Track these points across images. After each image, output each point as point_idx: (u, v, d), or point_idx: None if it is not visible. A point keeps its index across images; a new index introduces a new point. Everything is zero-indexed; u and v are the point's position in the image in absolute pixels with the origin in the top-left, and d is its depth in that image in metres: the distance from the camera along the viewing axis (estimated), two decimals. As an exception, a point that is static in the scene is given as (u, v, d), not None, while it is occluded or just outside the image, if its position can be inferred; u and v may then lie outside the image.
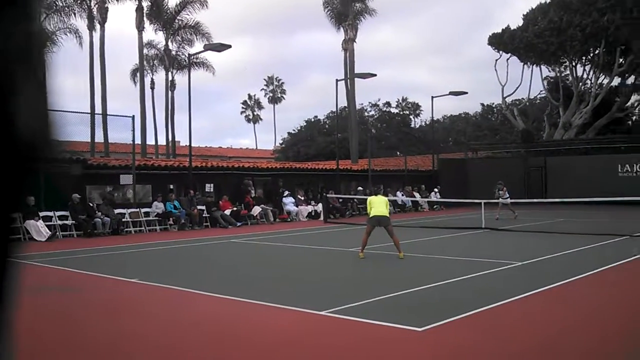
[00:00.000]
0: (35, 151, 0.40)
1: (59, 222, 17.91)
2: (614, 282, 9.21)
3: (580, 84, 42.81)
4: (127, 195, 21.37)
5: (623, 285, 8.91)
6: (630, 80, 42.37)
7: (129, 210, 19.79)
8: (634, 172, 29.68)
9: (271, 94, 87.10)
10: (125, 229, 19.15)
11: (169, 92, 43.12)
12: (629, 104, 44.00)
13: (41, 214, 17.24)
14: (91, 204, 18.90)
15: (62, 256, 13.13)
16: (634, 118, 50.31)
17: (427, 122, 60.94)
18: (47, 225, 17.15)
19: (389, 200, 12.86)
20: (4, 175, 0.35)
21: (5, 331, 0.38)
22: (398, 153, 44.11)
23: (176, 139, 45.23)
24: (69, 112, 19.42)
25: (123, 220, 19.23)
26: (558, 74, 44.27)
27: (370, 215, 11.87)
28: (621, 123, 44.41)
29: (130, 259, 13.36)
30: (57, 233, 17.54)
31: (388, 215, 11.89)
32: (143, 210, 20.13)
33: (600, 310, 7.18)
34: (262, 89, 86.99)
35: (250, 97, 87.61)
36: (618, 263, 10.69)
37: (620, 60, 39.62)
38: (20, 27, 0.43)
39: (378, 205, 11.85)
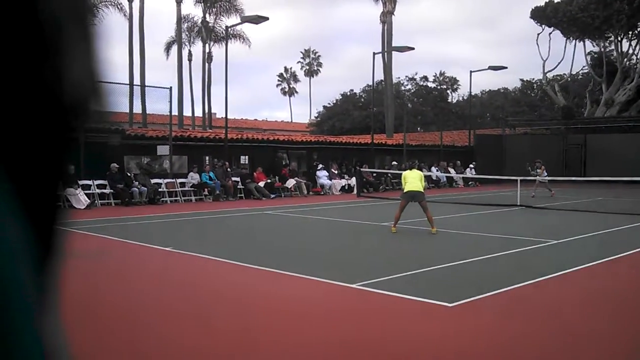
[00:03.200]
0: (80, 118, 0.39)
1: (97, 191, 18.31)
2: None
3: (625, 59, 41.42)
4: (163, 165, 21.69)
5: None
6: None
7: (165, 181, 20.10)
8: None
9: (307, 67, 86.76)
10: (162, 199, 19.47)
11: (206, 64, 43.39)
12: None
13: (80, 182, 17.64)
14: (129, 174, 19.24)
15: (99, 224, 13.44)
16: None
17: (465, 97, 60.02)
18: (85, 194, 17.55)
19: (424, 175, 12.70)
20: (50, 140, 0.35)
21: (52, 297, 0.38)
22: (434, 128, 43.61)
23: (212, 111, 45.68)
24: (109, 82, 19.73)
25: (159, 190, 19.55)
26: (602, 49, 42.91)
27: (405, 190, 11.81)
28: (666, 101, 42.99)
29: (165, 228, 13.60)
30: (96, 201, 17.94)
31: (423, 190, 11.81)
32: (179, 180, 20.43)
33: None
34: (299, 61, 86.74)
35: (286, 69, 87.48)
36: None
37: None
38: None
39: (413, 180, 11.76)
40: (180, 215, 15.89)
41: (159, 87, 21.93)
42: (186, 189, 20.45)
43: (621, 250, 9.53)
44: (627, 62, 41.39)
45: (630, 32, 40.62)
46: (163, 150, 20.77)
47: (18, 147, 0.33)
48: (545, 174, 21.57)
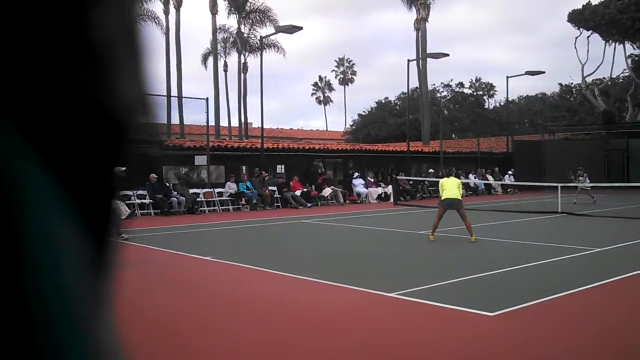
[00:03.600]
0: (132, 131, 0.40)
1: (138, 201, 18.65)
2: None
3: (668, 61, 40.43)
4: (201, 175, 21.98)
5: None
6: None
7: (203, 190, 20.36)
8: None
9: (342, 76, 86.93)
10: (200, 209, 19.72)
11: (242, 75, 43.85)
12: None
13: (121, 192, 17.98)
14: (167, 184, 19.55)
15: (140, 234, 13.67)
16: None
17: (502, 103, 59.15)
18: (126, 204, 17.88)
19: (462, 182, 12.59)
20: (105, 153, 0.36)
21: (107, 304, 0.39)
22: (471, 135, 43.17)
23: (248, 121, 46.04)
24: (147, 95, 20.14)
25: (197, 199, 19.81)
26: (643, 52, 41.97)
27: (442, 198, 11.71)
28: None
29: (204, 237, 13.76)
30: (136, 211, 18.26)
31: (460, 197, 11.70)
32: (216, 190, 20.67)
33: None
34: (333, 70, 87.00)
35: (320, 78, 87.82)
36: None
37: None
38: (126, 3, 0.45)
39: (450, 187, 11.65)
40: (219, 224, 16.06)
41: (196, 98, 22.28)
42: (224, 198, 20.67)
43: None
44: (670, 65, 40.36)
45: (672, 34, 39.64)
46: (201, 160, 21.06)
47: (75, 159, 0.36)
48: (588, 181, 21.15)
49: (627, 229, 13.44)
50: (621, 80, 48.54)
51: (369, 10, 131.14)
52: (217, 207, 20.34)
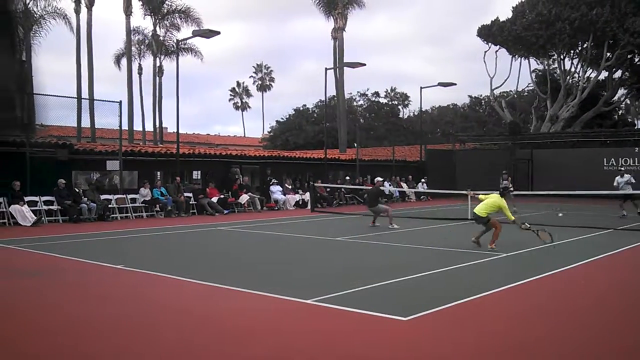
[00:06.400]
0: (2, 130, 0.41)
1: (45, 207, 17.79)
2: (596, 275, 9.32)
3: (568, 77, 42.95)
4: (113, 181, 21.25)
5: (605, 278, 9.02)
6: (618, 74, 42.67)
7: (116, 197, 19.69)
8: (619, 166, 29.90)
9: (260, 82, 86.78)
10: (112, 215, 19.05)
11: (157, 78, 42.88)
12: (615, 98, 44.28)
13: (26, 198, 17.13)
14: (77, 190, 18.77)
15: (47, 241, 13.05)
16: (620, 112, 50.68)
17: (416, 113, 61.05)
18: (32, 210, 17.04)
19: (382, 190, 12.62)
20: None
21: None
22: (386, 143, 44.14)
23: (163, 126, 45.12)
24: (55, 96, 19.27)
25: (109, 206, 19.13)
26: (546, 67, 44.40)
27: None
28: (607, 117, 44.72)
29: (116, 245, 13.30)
30: (43, 218, 17.43)
31: (484, 216, 11.54)
32: (130, 196, 20.04)
33: (585, 306, 7.26)
34: (251, 76, 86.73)
35: (238, 84, 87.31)
36: (602, 256, 10.82)
37: (608, 54, 39.80)
38: None
39: (483, 204, 11.62)
40: (131, 232, 15.58)
41: (108, 101, 21.46)
42: (137, 205, 20.08)
43: (565, 264, 9.82)
44: (570, 80, 42.93)
45: (572, 51, 42.21)
46: (113, 165, 20.35)
47: None
48: (511, 186, 21.65)
49: (531, 235, 14.11)
50: (526, 93, 51.16)
51: (288, 17, 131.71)
52: (130, 214, 19.71)
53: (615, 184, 20.24)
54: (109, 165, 20.34)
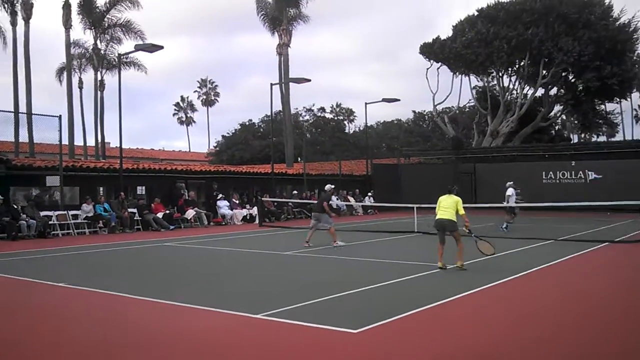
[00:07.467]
0: None
1: (-20, 225, 17.09)
2: (531, 287, 9.60)
3: (507, 94, 44.40)
4: (54, 197, 20.60)
5: (550, 287, 9.30)
6: (553, 91, 44.37)
7: (56, 213, 19.09)
8: (557, 179, 31.04)
9: (205, 97, 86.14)
10: (53, 232, 18.45)
11: (98, 92, 41.93)
12: (551, 114, 45.99)
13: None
14: (15, 206, 18.11)
15: (-17, 260, 12.52)
16: (556, 127, 52.66)
17: (361, 128, 61.77)
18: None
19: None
20: None
21: None
22: (333, 158, 44.43)
23: (106, 140, 44.07)
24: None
25: (50, 223, 18.52)
26: (486, 84, 45.76)
27: (435, 218, 10.91)
28: (545, 132, 46.39)
29: (57, 262, 12.87)
30: (-22, 236, 16.73)
31: (455, 219, 10.73)
32: (71, 212, 19.47)
33: (520, 315, 7.47)
34: (196, 90, 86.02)
35: (183, 99, 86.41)
36: (540, 267, 11.16)
37: (544, 72, 41.37)
38: None
39: (446, 206, 10.69)
40: (73, 249, 15.12)
41: (48, 115, 20.77)
42: (79, 221, 19.52)
43: (509, 274, 10.09)
44: (509, 96, 44.37)
45: (510, 69, 43.71)
46: (53, 181, 19.74)
47: None
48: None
49: (474, 247, 14.43)
50: (468, 109, 52.54)
51: (234, 32, 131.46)
52: (72, 231, 19.14)
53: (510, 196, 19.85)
54: (48, 181, 19.73)
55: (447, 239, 10.83)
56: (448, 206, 10.66)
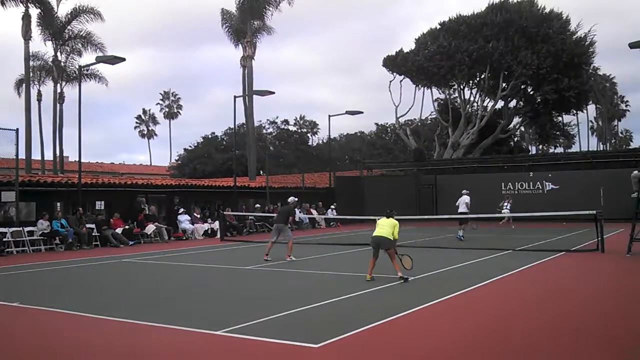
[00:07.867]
0: None
1: None
2: (493, 295, 9.72)
3: (468, 106, 45.17)
4: (9, 213, 20.02)
5: (496, 302, 9.42)
6: (513, 103, 45.32)
7: (11, 229, 18.56)
8: (516, 190, 31.60)
9: (167, 109, 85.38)
10: (7, 250, 17.91)
11: (57, 105, 41.13)
12: (511, 125, 46.92)
13: None
14: (-33, 223, 17.56)
15: None
16: (515, 139, 53.73)
17: (325, 140, 61.97)
18: None
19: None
20: None
21: None
22: (296, 170, 44.44)
23: (65, 154, 43.20)
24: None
25: (4, 240, 17.98)
26: (447, 96, 46.47)
27: (372, 235, 11.34)
28: (504, 144, 47.29)
29: (11, 281, 12.48)
30: None
31: (391, 237, 11.11)
32: (27, 229, 18.94)
33: (480, 324, 7.54)
34: (158, 103, 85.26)
35: (144, 111, 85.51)
36: (500, 277, 11.31)
37: (504, 84, 42.24)
38: None
39: (383, 225, 11.20)
40: (29, 266, 14.70)
41: (4, 129, 20.24)
42: (35, 238, 19.01)
43: (468, 285, 10.19)
44: (470, 109, 45.14)
45: (471, 81, 44.51)
46: (8, 196, 19.21)
47: None
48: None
49: (435, 258, 14.58)
50: (429, 121, 53.24)
51: (197, 44, 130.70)
52: (27, 248, 18.62)
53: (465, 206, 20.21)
54: (3, 197, 19.19)
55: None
56: (385, 225, 11.14)
